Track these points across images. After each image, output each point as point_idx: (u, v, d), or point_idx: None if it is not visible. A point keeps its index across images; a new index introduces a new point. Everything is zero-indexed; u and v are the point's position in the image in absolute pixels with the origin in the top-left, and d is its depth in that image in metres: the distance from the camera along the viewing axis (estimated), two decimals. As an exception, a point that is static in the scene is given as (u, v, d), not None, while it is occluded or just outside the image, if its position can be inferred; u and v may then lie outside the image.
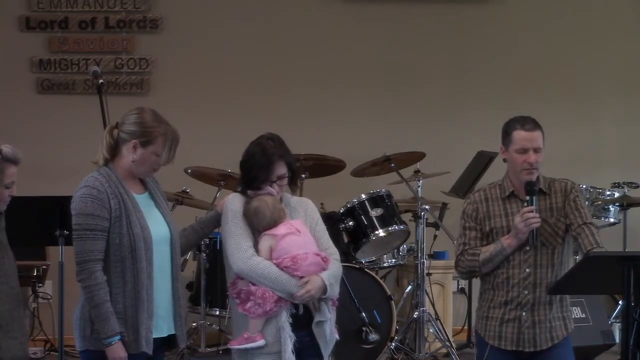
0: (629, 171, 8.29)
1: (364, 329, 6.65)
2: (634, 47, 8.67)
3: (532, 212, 4.42)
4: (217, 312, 7.11)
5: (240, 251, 4.20)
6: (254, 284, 4.19)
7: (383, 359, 6.94)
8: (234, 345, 4.25)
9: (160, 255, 4.13)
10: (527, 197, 4.48)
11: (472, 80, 8.49)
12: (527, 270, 4.49)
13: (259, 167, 4.30)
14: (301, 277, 4.20)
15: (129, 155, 4.11)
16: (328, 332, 4.29)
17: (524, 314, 4.49)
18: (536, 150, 4.49)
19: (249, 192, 4.34)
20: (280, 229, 4.26)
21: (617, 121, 8.64)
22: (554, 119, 8.22)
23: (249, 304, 4.19)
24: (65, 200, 4.26)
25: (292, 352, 4.19)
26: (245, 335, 4.21)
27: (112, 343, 3.99)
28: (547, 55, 8.56)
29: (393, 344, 6.93)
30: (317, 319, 4.27)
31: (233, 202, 4.32)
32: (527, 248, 4.48)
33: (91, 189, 4.03)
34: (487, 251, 4.52)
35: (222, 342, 7.33)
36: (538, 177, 4.56)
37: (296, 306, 4.25)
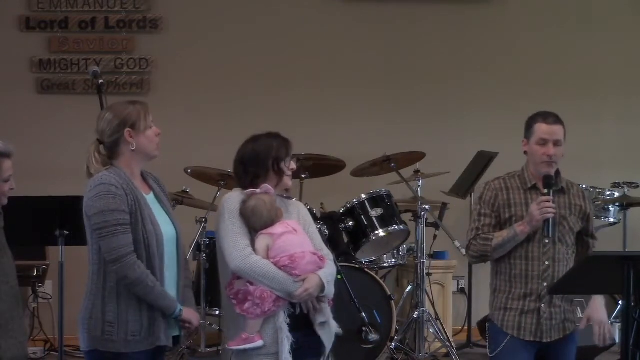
0: (629, 171, 8.29)
1: (364, 329, 6.64)
2: (634, 47, 8.68)
3: (549, 201, 4.49)
4: (217, 312, 7.09)
5: (238, 250, 4.18)
6: (252, 284, 4.18)
7: (383, 359, 6.94)
8: (233, 346, 4.22)
9: (167, 255, 4.13)
10: (545, 190, 4.56)
11: (472, 80, 8.48)
12: (547, 263, 4.57)
13: (278, 147, 4.33)
14: (298, 276, 4.19)
15: (128, 148, 4.10)
16: (333, 330, 4.31)
17: (542, 305, 4.58)
18: (556, 144, 4.59)
19: (247, 191, 4.30)
20: (277, 228, 4.25)
21: (617, 121, 8.64)
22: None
23: (247, 305, 4.17)
24: (65, 200, 4.26)
25: (290, 353, 4.18)
26: (243, 336, 4.19)
27: (181, 312, 4.08)
28: (547, 55, 8.56)
29: (393, 344, 6.93)
30: (319, 320, 4.27)
31: (230, 201, 4.28)
32: (547, 241, 4.55)
33: (109, 186, 4.01)
34: (500, 237, 4.59)
35: (222, 342, 7.32)
36: (559, 175, 4.66)
37: (293, 306, 4.24)
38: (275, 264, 4.19)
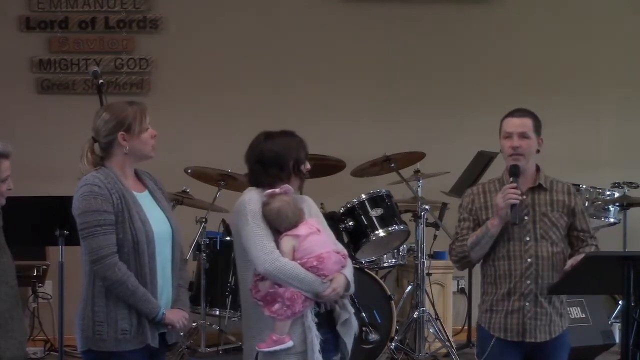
0: (629, 171, 8.29)
1: (364, 329, 6.63)
2: (634, 47, 8.68)
3: (513, 188, 4.47)
4: (217, 312, 7.10)
5: (266, 253, 4.15)
6: (280, 286, 4.16)
7: (383, 359, 6.94)
8: (264, 348, 4.19)
9: (161, 253, 4.12)
10: (511, 179, 4.54)
11: (472, 80, 8.49)
12: (529, 260, 4.53)
13: (298, 148, 4.33)
14: (325, 276, 4.19)
15: (121, 150, 4.11)
16: (354, 327, 4.31)
17: (527, 304, 4.53)
18: (521, 136, 4.58)
19: (267, 192, 4.25)
20: (302, 229, 4.23)
21: (617, 121, 8.65)
22: (554, 119, 8.19)
23: (276, 306, 4.15)
24: (66, 200, 4.26)
25: (319, 352, 4.18)
26: (274, 338, 4.17)
27: (164, 315, 4.05)
28: (547, 55, 8.56)
29: (393, 344, 6.93)
30: (343, 317, 4.28)
31: (251, 202, 4.23)
32: (528, 239, 4.52)
33: (92, 186, 4.03)
34: (474, 235, 4.59)
35: (222, 342, 7.33)
36: (540, 172, 4.62)
37: (318, 304, 4.24)
38: (302, 265, 4.17)
